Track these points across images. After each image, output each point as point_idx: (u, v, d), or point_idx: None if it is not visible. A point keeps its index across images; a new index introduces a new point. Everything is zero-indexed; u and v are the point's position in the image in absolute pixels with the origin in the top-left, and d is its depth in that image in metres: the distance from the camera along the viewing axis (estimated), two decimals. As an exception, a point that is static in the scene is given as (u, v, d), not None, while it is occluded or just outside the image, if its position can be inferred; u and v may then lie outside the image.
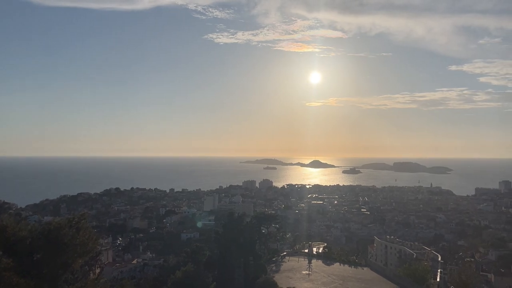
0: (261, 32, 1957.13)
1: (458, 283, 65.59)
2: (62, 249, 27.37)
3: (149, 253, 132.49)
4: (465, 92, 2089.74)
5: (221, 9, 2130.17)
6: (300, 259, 68.44)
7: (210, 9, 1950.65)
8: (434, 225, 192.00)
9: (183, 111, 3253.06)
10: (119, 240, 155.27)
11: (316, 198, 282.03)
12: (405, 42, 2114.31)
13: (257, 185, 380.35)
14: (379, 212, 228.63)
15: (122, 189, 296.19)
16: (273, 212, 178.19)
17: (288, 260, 67.94)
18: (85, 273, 34.42)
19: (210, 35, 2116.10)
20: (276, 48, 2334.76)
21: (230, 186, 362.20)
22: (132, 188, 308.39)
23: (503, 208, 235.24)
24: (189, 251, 68.27)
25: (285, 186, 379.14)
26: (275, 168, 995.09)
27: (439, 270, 65.23)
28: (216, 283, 55.09)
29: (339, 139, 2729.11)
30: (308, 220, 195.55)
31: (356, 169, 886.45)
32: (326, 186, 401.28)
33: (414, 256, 79.78)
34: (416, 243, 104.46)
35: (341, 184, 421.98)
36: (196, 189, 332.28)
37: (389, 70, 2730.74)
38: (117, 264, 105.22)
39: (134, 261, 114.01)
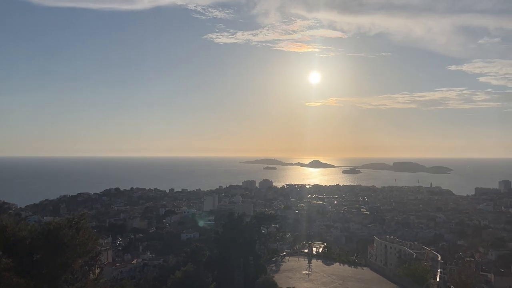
0: (260, 32, 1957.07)
1: (458, 283, 65.65)
2: (62, 249, 27.40)
3: (149, 253, 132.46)
4: (464, 92, 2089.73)
5: (220, 9, 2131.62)
6: (300, 259, 68.49)
7: (210, 9, 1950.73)
8: (434, 225, 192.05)
9: (182, 111, 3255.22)
10: (119, 240, 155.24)
11: (316, 198, 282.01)
12: (404, 42, 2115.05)
13: (257, 185, 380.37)
14: (379, 212, 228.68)
15: (122, 189, 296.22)
16: (273, 212, 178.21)
17: (288, 260, 67.98)
18: (85, 273, 34.45)
19: (210, 35, 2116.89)
20: (275, 48, 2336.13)
21: (230, 186, 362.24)
22: (132, 188, 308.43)
23: (502, 208, 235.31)
24: (189, 251, 68.28)
25: (285, 186, 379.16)
26: (275, 168, 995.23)
27: (439, 270, 65.30)
28: (216, 283, 55.06)
29: (338, 139, 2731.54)
30: (308, 220, 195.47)
31: (356, 169, 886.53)
32: (326, 186, 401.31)
33: (414, 256, 79.76)
34: (416, 243, 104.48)
35: (341, 184, 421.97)
36: (196, 189, 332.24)
37: (389, 70, 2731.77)
38: (117, 264, 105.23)
39: (134, 261, 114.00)
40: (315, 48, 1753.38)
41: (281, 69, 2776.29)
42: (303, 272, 59.06)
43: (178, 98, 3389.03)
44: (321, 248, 76.47)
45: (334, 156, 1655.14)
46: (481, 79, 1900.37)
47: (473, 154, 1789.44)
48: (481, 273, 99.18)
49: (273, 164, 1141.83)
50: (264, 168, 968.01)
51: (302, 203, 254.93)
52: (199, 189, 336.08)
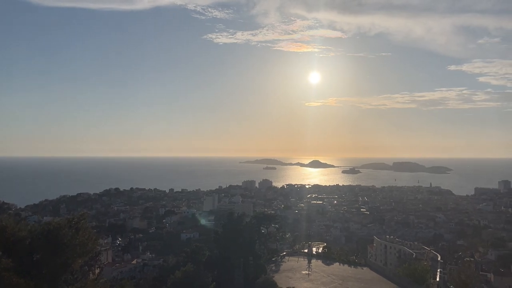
0: (260, 32, 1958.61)
1: (457, 283, 65.70)
2: (62, 249, 27.39)
3: (148, 253, 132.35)
4: (464, 92, 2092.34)
5: (220, 9, 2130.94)
6: (299, 259, 68.52)
7: (210, 9, 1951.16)
8: (434, 225, 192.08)
9: (182, 111, 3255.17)
10: (119, 240, 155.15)
11: (316, 198, 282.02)
12: (404, 42, 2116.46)
13: (257, 185, 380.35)
14: (379, 212, 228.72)
15: (121, 189, 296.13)
16: (272, 212, 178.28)
17: (288, 260, 68.00)
18: (85, 273, 34.45)
19: (210, 35, 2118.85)
20: (275, 48, 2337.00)
21: (230, 186, 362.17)
22: (131, 188, 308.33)
23: (502, 208, 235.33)
24: (188, 251, 68.30)
25: (285, 186, 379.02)
26: (274, 168, 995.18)
27: (438, 270, 65.26)
28: (215, 283, 55.05)
29: (338, 139, 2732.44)
30: (307, 220, 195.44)
31: (356, 169, 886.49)
32: (325, 186, 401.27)
33: (414, 256, 79.78)
34: (416, 243, 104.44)
35: (340, 184, 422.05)
36: (196, 189, 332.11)
37: (389, 70, 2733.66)
38: (117, 264, 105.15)
39: (134, 261, 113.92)
40: (314, 48, 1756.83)
41: (280, 69, 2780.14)
42: (303, 272, 59.07)
43: (178, 98, 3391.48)
44: (321, 248, 76.51)
45: (334, 156, 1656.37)
46: (481, 79, 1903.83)
47: (473, 154, 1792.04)
48: (480, 273, 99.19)
49: (273, 164, 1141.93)
50: (264, 168, 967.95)
51: (302, 203, 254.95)
52: (199, 189, 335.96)
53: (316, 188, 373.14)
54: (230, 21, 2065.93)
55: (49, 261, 26.97)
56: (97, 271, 38.51)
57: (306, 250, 73.85)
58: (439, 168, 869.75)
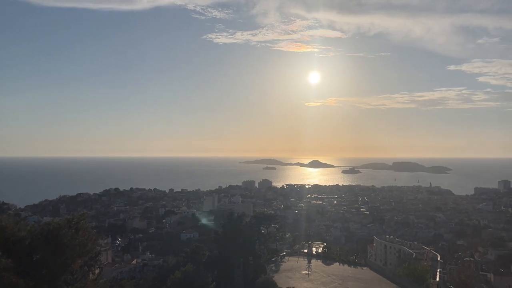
0: (260, 32, 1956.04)
1: (457, 283, 65.82)
2: (62, 250, 27.37)
3: (148, 253, 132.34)
4: (464, 91, 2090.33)
5: (220, 9, 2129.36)
6: (299, 259, 68.54)
7: (209, 9, 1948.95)
8: (434, 224, 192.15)
9: (182, 111, 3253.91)
10: (119, 241, 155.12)
11: (316, 198, 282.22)
12: (403, 42, 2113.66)
13: (257, 185, 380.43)
14: (379, 212, 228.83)
15: (121, 190, 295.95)
16: (272, 212, 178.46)
17: (288, 260, 68.02)
18: (85, 274, 34.47)
19: (209, 35, 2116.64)
20: (275, 48, 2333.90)
21: (230, 186, 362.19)
22: (131, 189, 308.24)
23: (502, 208, 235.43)
24: (188, 251, 68.35)
25: (285, 186, 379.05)
26: (274, 168, 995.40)
27: (438, 270, 65.30)
28: (215, 283, 55.10)
29: (338, 139, 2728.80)
30: (307, 220, 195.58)
31: (356, 169, 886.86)
32: (325, 186, 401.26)
33: (414, 255, 79.78)
34: (416, 242, 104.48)
35: (340, 184, 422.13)
36: (196, 189, 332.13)
37: (388, 70, 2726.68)
38: (117, 265, 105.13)
39: (134, 262, 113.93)
40: (314, 48, 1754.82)
41: (280, 69, 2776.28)
42: (303, 272, 59.09)
43: (177, 98, 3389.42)
44: (321, 248, 76.54)
45: (334, 156, 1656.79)
46: (480, 79, 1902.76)
47: (473, 154, 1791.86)
48: (480, 272, 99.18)
49: (272, 164, 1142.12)
50: (263, 168, 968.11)
51: (301, 203, 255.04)
52: (199, 189, 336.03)
53: (316, 188, 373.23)
54: (229, 21, 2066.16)
55: (48, 261, 26.96)
56: (97, 271, 38.52)
57: (306, 250, 73.90)
58: (438, 168, 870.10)
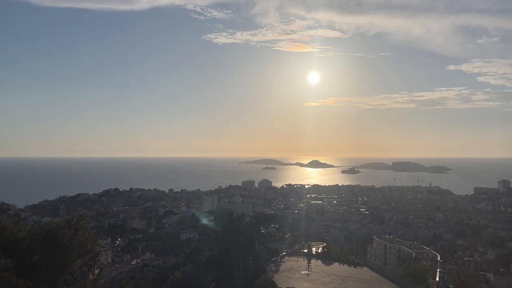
0: (259, 32, 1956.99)
1: (457, 283, 65.81)
2: (61, 250, 27.35)
3: (148, 253, 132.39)
4: (463, 91, 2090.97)
5: (219, 9, 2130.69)
6: (299, 259, 68.51)
7: (209, 9, 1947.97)
8: (433, 224, 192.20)
9: (181, 111, 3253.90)
10: (118, 241, 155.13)
11: (315, 198, 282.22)
12: (403, 42, 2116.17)
13: (256, 185, 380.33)
14: (378, 211, 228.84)
15: (121, 190, 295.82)
16: (272, 212, 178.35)
17: (287, 260, 67.98)
18: (84, 274, 34.47)
19: (209, 36, 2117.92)
20: (274, 48, 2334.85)
21: (229, 186, 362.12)
22: (131, 189, 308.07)
23: (502, 208, 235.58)
24: (188, 252, 68.40)
25: (284, 186, 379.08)
26: (274, 168, 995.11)
27: (438, 270, 65.33)
28: (215, 283, 55.09)
29: (338, 139, 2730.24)
30: (307, 220, 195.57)
31: (355, 169, 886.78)
32: (325, 186, 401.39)
33: (413, 255, 79.76)
34: (415, 242, 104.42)
35: (340, 184, 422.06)
36: (195, 190, 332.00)
37: (388, 70, 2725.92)
38: (116, 265, 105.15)
39: (133, 262, 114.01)
40: (314, 48, 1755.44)
41: (280, 69, 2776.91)
42: (303, 272, 59.08)
43: (177, 98, 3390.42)
44: (321, 248, 76.50)
45: (333, 156, 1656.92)
46: (480, 78, 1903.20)
47: (472, 154, 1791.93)
48: (480, 272, 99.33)
49: (272, 164, 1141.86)
50: (263, 168, 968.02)
51: (301, 203, 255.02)
52: (199, 189, 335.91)
53: (316, 188, 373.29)
54: (229, 21, 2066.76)
55: (48, 262, 26.94)
56: (96, 271, 38.51)
57: (305, 250, 73.87)
58: (438, 168, 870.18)
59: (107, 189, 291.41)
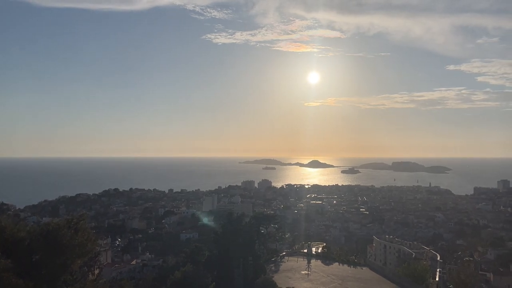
0: (259, 32, 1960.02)
1: (457, 282, 65.85)
2: (61, 250, 27.34)
3: (148, 253, 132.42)
4: (463, 91, 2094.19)
5: (219, 9, 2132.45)
6: (299, 259, 68.47)
7: (208, 10, 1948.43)
8: (433, 224, 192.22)
9: (181, 111, 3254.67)
10: (118, 241, 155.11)
11: (315, 198, 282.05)
12: (403, 42, 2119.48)
13: (256, 185, 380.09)
14: (378, 211, 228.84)
15: (121, 190, 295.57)
16: (272, 212, 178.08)
17: (287, 260, 67.94)
18: (84, 274, 34.46)
19: (209, 36, 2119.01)
20: (274, 48, 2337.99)
21: (229, 186, 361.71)
22: (131, 189, 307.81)
23: (501, 207, 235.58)
24: (188, 252, 68.27)
25: (284, 186, 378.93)
26: (274, 168, 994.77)
27: (438, 270, 65.32)
28: (215, 283, 55.04)
29: (337, 139, 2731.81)
30: (307, 220, 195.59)
31: (355, 169, 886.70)
32: (325, 186, 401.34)
33: (413, 255, 79.78)
34: (415, 242, 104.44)
35: (340, 184, 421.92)
36: (195, 190, 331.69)
37: (388, 70, 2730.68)
38: (116, 265, 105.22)
39: (133, 262, 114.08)
40: (313, 48, 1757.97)
41: (279, 69, 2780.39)
42: (303, 272, 59.05)
43: (176, 98, 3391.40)
44: (320, 248, 76.44)
45: (333, 156, 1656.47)
46: (480, 78, 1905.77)
47: (472, 154, 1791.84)
48: (480, 272, 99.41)
49: (272, 164, 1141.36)
50: (263, 168, 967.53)
51: (301, 203, 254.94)
52: (198, 189, 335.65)
53: (316, 188, 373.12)
54: (229, 21, 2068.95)
55: (48, 262, 26.93)
56: (96, 271, 38.49)
57: (305, 250, 73.83)
58: (438, 168, 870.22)
59: (107, 189, 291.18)
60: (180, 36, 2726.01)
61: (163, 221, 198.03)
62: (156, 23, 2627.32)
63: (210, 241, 70.14)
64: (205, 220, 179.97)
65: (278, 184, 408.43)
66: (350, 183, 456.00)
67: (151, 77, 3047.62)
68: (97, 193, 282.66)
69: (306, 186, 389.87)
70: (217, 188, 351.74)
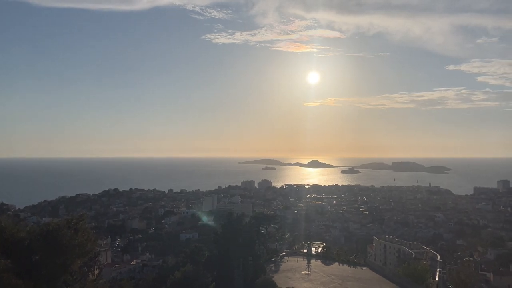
0: (259, 32, 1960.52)
1: (457, 282, 65.84)
2: (61, 250, 27.34)
3: (148, 253, 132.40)
4: (463, 91, 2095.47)
5: (219, 9, 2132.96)
6: (299, 259, 68.42)
7: (208, 10, 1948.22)
8: (433, 224, 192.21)
9: (181, 111, 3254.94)
10: (118, 241, 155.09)
11: (315, 198, 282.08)
12: (403, 41, 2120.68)
13: (256, 185, 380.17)
14: (378, 211, 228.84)
15: (120, 190, 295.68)
16: (272, 212, 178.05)
17: (287, 260, 67.89)
18: (84, 274, 34.41)
19: (208, 36, 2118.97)
20: (274, 48, 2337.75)
21: (229, 186, 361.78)
22: (130, 189, 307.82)
23: (501, 207, 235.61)
24: (188, 252, 68.33)
25: (284, 186, 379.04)
26: (274, 168, 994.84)
27: (438, 270, 65.33)
28: (215, 283, 55.02)
29: (337, 139, 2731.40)
30: (307, 220, 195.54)
31: (355, 169, 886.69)
32: (324, 186, 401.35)
33: (413, 255, 79.81)
34: (415, 242, 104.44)
35: (339, 184, 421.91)
36: (195, 190, 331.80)
37: (387, 70, 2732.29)
38: (116, 265, 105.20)
39: (133, 262, 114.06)
40: (313, 48, 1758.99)
41: (279, 69, 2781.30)
42: (303, 272, 59.01)
43: (176, 98, 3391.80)
44: (320, 248, 76.38)
45: (333, 156, 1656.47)
46: (479, 78, 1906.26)
47: (472, 154, 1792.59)
48: (480, 272, 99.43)
49: (272, 164, 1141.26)
50: (263, 168, 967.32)
51: (301, 203, 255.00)
52: (198, 189, 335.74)
53: (315, 188, 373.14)
54: (228, 21, 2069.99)
55: (48, 262, 26.93)
56: (96, 272, 38.45)
57: (305, 250, 73.76)
58: (438, 168, 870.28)
59: (106, 189, 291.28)
60: (180, 36, 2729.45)
61: (163, 221, 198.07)
62: (156, 23, 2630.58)
63: (210, 241, 70.16)
64: (205, 220, 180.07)
65: (278, 184, 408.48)
66: (350, 183, 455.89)
67: (151, 77, 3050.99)
68: (97, 193, 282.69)
69: (306, 186, 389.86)
70: (217, 188, 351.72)
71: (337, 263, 65.64)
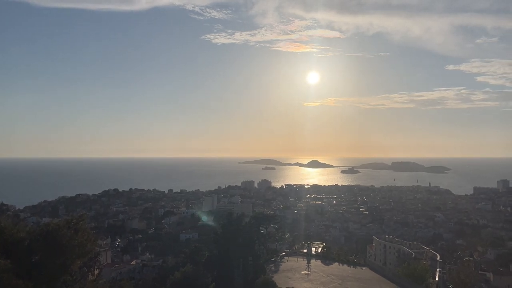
0: (258, 32, 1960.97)
1: (457, 282, 65.83)
2: (61, 251, 27.31)
3: (148, 254, 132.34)
4: (462, 91, 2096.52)
5: (218, 9, 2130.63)
6: (299, 259, 68.49)
7: (208, 10, 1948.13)
8: (433, 224, 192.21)
9: (181, 111, 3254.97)
10: (118, 241, 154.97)
11: (315, 198, 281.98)
12: (402, 41, 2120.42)
13: (256, 185, 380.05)
14: (378, 211, 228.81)
15: (120, 190, 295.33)
16: (271, 212, 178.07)
17: (287, 260, 67.96)
18: (84, 274, 34.44)
19: (208, 36, 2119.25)
20: (273, 48, 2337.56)
21: (229, 186, 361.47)
22: (130, 189, 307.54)
23: (501, 207, 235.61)
24: (188, 252, 68.43)
25: (284, 186, 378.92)
26: (273, 168, 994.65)
27: (438, 269, 65.35)
28: (215, 283, 55.05)
29: (337, 139, 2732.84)
30: (306, 220, 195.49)
31: (355, 169, 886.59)
32: (324, 186, 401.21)
33: (413, 255, 79.81)
34: (415, 242, 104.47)
35: (339, 184, 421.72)
36: (195, 190, 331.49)
37: (387, 70, 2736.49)
38: (116, 265, 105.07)
39: (133, 262, 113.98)
40: (313, 48, 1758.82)
41: (279, 69, 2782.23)
42: (302, 272, 59.07)
43: (176, 98, 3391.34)
44: (320, 248, 76.48)
45: (333, 156, 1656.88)
46: (479, 78, 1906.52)
47: (472, 154, 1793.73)
48: (480, 272, 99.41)
49: (272, 164, 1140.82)
50: (263, 169, 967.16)
51: (301, 203, 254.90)
52: (198, 189, 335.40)
53: (315, 188, 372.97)
54: (228, 21, 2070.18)
55: (48, 262, 26.91)
56: (96, 272, 38.46)
57: (305, 250, 73.86)
58: (438, 168, 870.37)
59: (106, 189, 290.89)
60: (179, 36, 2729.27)
61: (163, 221, 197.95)
62: (156, 23, 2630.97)
63: (210, 241, 70.21)
64: (205, 220, 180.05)
65: (277, 184, 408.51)
66: (349, 183, 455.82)
67: (151, 77, 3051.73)
68: (97, 193, 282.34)
69: (306, 186, 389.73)
70: (216, 188, 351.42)
71: (337, 263, 65.72)
